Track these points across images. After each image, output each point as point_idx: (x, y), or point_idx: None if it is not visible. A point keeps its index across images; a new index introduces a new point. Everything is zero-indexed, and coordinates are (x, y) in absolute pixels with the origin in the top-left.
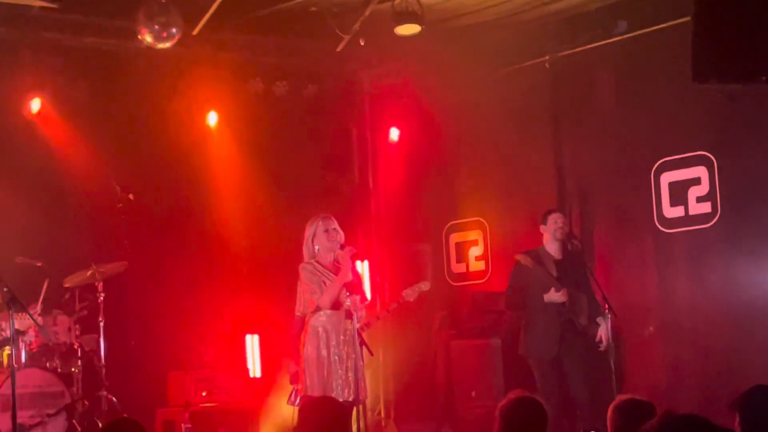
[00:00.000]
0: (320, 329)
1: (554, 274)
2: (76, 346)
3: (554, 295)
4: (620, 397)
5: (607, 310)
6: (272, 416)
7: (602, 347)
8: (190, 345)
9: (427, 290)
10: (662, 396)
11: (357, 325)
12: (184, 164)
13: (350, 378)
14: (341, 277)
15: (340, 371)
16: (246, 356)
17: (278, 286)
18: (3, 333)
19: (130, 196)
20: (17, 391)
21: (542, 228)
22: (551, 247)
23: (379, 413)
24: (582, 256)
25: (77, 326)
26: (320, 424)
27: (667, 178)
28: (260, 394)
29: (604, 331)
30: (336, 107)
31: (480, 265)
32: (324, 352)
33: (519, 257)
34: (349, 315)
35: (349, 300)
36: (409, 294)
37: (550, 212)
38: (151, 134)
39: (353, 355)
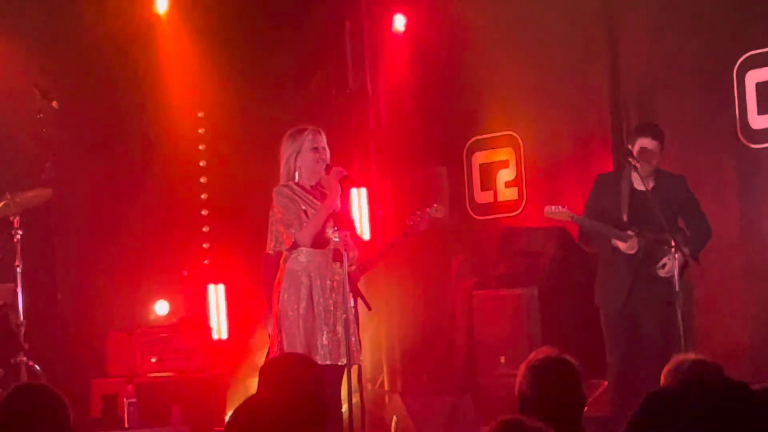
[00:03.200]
0: (300, 273)
1: (625, 212)
2: None
3: (622, 248)
4: (676, 358)
5: (673, 249)
6: (243, 389)
7: (665, 273)
8: (134, 298)
9: (443, 219)
10: (745, 357)
11: (350, 269)
12: (125, 63)
13: (339, 336)
14: (327, 204)
15: (325, 328)
16: (208, 312)
17: (250, 221)
18: None
19: (54, 104)
20: None
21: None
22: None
23: (382, 385)
24: (680, 179)
25: None
26: (286, 388)
27: (755, 77)
28: (227, 360)
29: (671, 262)
30: None
31: (512, 194)
32: (306, 302)
33: (550, 212)
34: (337, 256)
35: (336, 235)
36: (418, 221)
37: (637, 134)
38: (81, 24)
39: (343, 307)
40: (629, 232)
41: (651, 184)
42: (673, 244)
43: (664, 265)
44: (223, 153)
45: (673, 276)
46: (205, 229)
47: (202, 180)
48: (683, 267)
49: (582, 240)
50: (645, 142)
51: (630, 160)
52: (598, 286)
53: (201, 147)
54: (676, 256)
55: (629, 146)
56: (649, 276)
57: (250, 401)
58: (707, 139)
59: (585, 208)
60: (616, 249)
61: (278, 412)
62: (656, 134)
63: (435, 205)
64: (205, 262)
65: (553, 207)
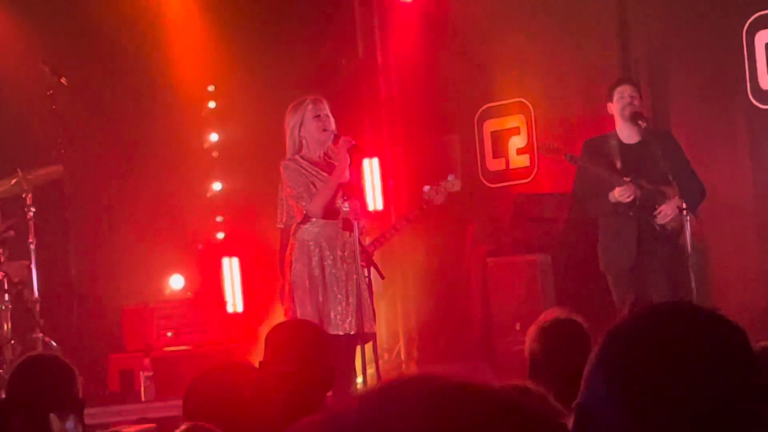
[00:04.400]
0: (311, 244)
1: (618, 165)
2: (0, 276)
3: (617, 194)
4: None
5: (684, 212)
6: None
7: (662, 219)
8: (149, 272)
9: (457, 190)
10: (758, 316)
11: (367, 240)
12: (133, 37)
13: (352, 306)
14: (336, 175)
15: (339, 297)
16: (223, 285)
17: (263, 193)
18: None
19: (63, 80)
20: None
21: (609, 106)
22: (622, 129)
23: (399, 354)
24: (668, 135)
25: (1, 251)
26: (292, 354)
27: (764, 38)
28: (243, 332)
29: (668, 210)
30: None
31: (524, 161)
32: (317, 273)
33: (544, 147)
34: (347, 225)
35: (346, 206)
36: (434, 194)
37: (616, 84)
38: (89, 4)
39: (355, 276)
40: (624, 178)
41: (637, 138)
42: (684, 207)
43: (659, 213)
44: (235, 126)
45: (678, 233)
46: (218, 201)
47: (215, 154)
48: (680, 218)
49: (578, 205)
50: (622, 89)
51: (639, 122)
52: (603, 251)
53: (212, 122)
54: (675, 206)
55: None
56: (653, 235)
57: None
58: (718, 100)
59: (577, 172)
60: (615, 210)
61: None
62: (631, 81)
63: (450, 177)
64: (219, 235)
65: (548, 144)
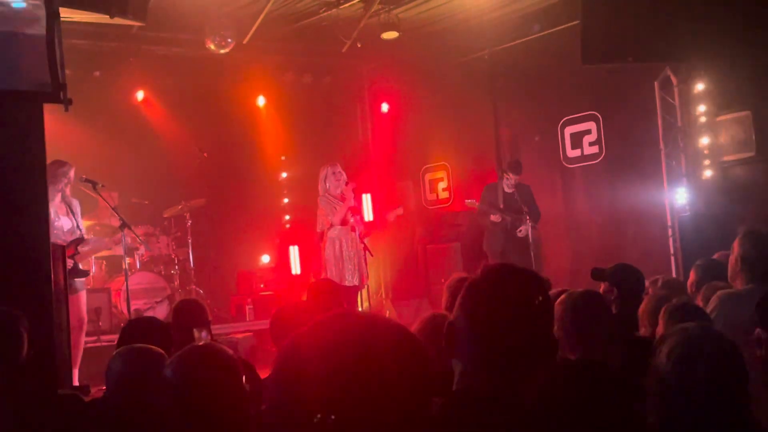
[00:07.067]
0: (335, 239)
1: (501, 203)
2: (173, 256)
3: (491, 218)
4: None
5: (529, 221)
6: None
7: (521, 234)
8: (252, 253)
9: (403, 213)
10: (566, 276)
11: (365, 236)
12: (242, 133)
13: (356, 270)
14: (347, 203)
15: (349, 266)
16: (290, 260)
17: (309, 213)
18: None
19: (205, 155)
20: (135, 287)
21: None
22: (504, 185)
23: (381, 295)
24: (527, 188)
25: (173, 243)
26: (321, 297)
27: (569, 130)
28: (300, 284)
29: (525, 228)
30: (345, 91)
31: (446, 195)
32: (338, 254)
33: (467, 202)
34: (353, 229)
35: (352, 219)
36: (393, 215)
37: (505, 170)
38: (219, 113)
39: (357, 256)
40: (500, 213)
41: (513, 189)
42: (528, 218)
43: (520, 230)
44: (296, 179)
45: (528, 235)
46: (287, 216)
47: (285, 192)
48: (531, 229)
49: (479, 217)
50: (507, 174)
51: (505, 175)
52: (485, 241)
53: (283, 175)
54: (529, 223)
55: (502, 171)
56: (514, 236)
57: (287, 305)
58: (546, 164)
59: (480, 199)
60: (494, 224)
61: (309, 311)
62: (516, 170)
63: (400, 207)
64: (287, 227)
65: (469, 200)
